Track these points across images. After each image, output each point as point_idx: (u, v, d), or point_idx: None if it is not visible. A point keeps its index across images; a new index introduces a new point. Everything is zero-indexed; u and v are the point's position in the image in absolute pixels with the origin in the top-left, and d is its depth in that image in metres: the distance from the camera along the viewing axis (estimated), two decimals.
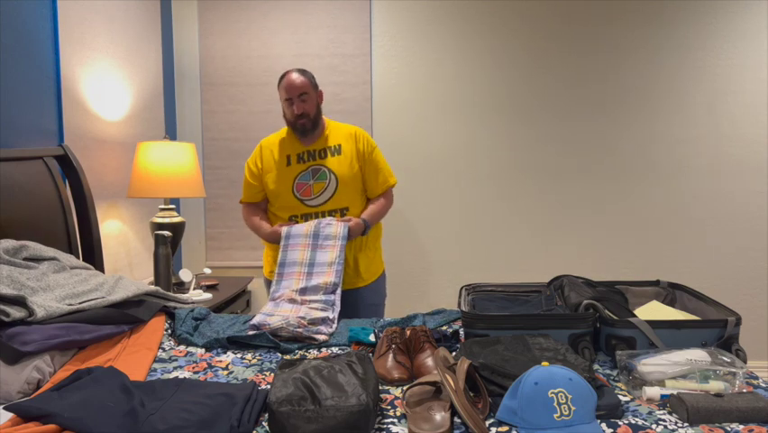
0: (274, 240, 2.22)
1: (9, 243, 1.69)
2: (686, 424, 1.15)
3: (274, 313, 1.83)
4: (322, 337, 1.71)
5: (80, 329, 1.49)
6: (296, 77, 2.23)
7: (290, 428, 1.08)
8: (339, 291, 2.00)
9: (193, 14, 3.29)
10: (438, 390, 1.25)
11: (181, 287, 2.66)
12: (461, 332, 1.71)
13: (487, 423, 1.16)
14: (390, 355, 1.45)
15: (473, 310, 1.73)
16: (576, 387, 1.12)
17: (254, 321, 1.76)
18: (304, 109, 2.23)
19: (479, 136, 3.28)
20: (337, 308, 1.93)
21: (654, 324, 1.48)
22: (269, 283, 2.36)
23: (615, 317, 1.54)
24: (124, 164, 2.79)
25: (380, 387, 1.36)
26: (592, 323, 1.54)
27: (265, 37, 3.27)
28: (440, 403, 1.20)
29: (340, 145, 2.31)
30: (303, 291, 1.97)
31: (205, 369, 1.50)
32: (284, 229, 2.17)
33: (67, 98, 2.37)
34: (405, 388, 1.27)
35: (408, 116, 3.28)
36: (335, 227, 2.15)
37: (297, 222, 2.26)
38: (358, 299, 2.31)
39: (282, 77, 2.26)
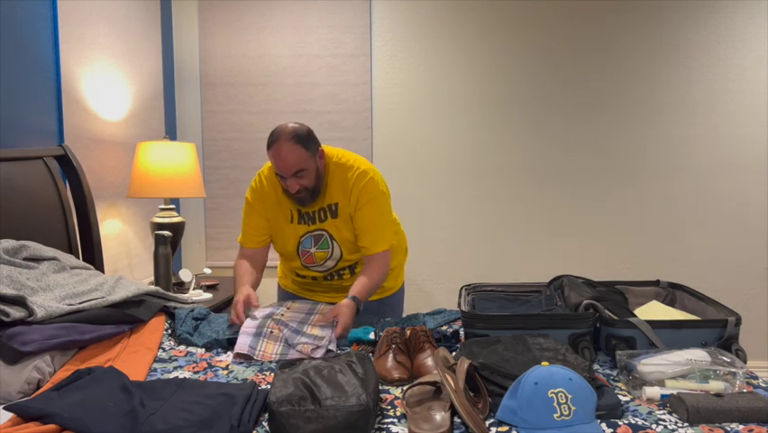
0: (236, 303, 1.80)
1: (9, 243, 1.69)
2: (686, 424, 1.15)
3: (255, 348, 1.61)
4: (319, 354, 1.60)
5: (80, 329, 1.49)
6: (287, 151, 1.75)
7: (290, 427, 1.08)
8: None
9: (193, 14, 3.29)
10: (438, 390, 1.25)
11: (181, 287, 2.66)
12: (461, 332, 1.71)
13: (487, 423, 1.16)
14: (390, 355, 1.45)
15: (473, 310, 1.72)
16: (576, 387, 1.12)
17: (237, 348, 1.59)
18: (300, 186, 1.81)
19: (479, 136, 3.28)
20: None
21: (654, 324, 1.48)
22: (281, 291, 2.21)
23: (615, 317, 1.54)
24: (124, 164, 2.79)
25: (380, 387, 1.36)
26: (592, 323, 1.54)
27: (265, 37, 3.27)
28: (440, 403, 1.20)
29: (336, 204, 1.90)
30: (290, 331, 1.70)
31: (205, 369, 1.50)
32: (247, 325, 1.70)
33: (67, 98, 2.36)
34: (405, 388, 1.27)
35: (408, 116, 3.28)
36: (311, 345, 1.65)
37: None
38: (367, 312, 1.99)
39: (270, 142, 1.77)
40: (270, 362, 1.56)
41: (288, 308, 1.85)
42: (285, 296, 2.19)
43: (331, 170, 1.91)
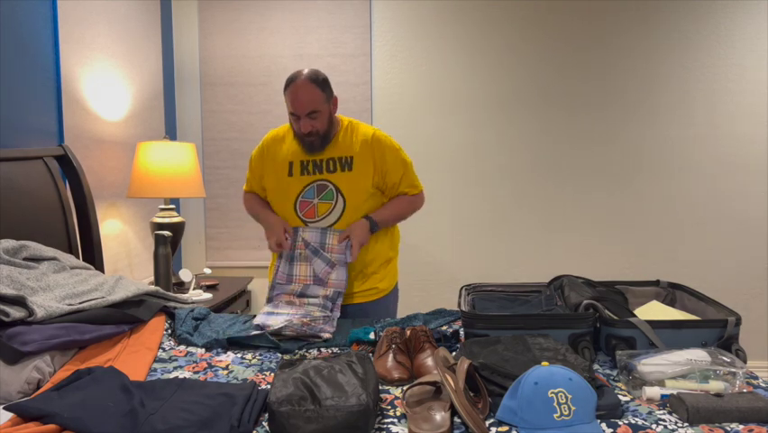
0: (273, 226, 1.97)
1: (9, 243, 1.69)
2: (686, 424, 1.15)
3: (274, 312, 1.83)
4: (326, 335, 1.70)
5: (80, 329, 1.49)
6: (303, 91, 1.84)
7: (290, 427, 1.08)
8: (340, 298, 1.93)
9: (193, 14, 3.29)
10: (438, 390, 1.25)
11: (181, 287, 2.66)
12: (461, 332, 1.71)
13: (487, 423, 1.16)
14: (390, 355, 1.45)
15: (473, 310, 1.72)
16: (576, 387, 1.12)
17: (256, 321, 1.76)
18: (313, 127, 1.88)
19: (479, 136, 3.28)
20: (338, 309, 1.89)
21: (654, 324, 1.48)
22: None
23: (615, 317, 1.54)
24: (124, 164, 2.79)
25: (380, 387, 1.36)
26: (592, 323, 1.54)
27: (265, 37, 3.27)
28: (440, 403, 1.20)
29: (352, 158, 1.95)
30: (302, 295, 1.94)
31: (205, 369, 1.50)
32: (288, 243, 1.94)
33: (67, 98, 2.36)
34: (405, 388, 1.27)
35: (408, 116, 3.28)
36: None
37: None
38: (360, 314, 2.03)
39: (288, 82, 1.87)
40: (270, 354, 1.57)
41: (304, 231, 1.99)
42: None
43: (345, 126, 2.01)
